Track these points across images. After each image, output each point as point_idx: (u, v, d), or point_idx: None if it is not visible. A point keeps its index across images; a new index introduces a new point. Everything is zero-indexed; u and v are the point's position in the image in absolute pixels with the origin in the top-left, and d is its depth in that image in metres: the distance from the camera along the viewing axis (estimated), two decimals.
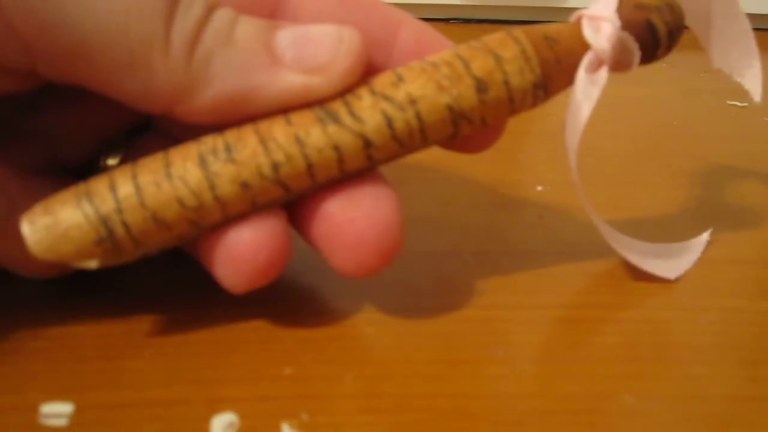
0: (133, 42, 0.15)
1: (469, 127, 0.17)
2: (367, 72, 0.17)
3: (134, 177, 0.15)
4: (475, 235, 0.22)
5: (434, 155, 0.26)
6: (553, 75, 0.17)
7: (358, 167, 0.16)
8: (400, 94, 0.16)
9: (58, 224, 0.15)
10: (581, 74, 0.17)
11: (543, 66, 0.17)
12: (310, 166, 0.16)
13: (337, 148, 0.16)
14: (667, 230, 0.23)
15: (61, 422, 0.15)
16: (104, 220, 0.15)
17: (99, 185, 0.15)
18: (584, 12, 0.18)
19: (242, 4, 0.17)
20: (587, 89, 0.17)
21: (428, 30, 0.18)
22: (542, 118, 0.34)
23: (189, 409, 0.15)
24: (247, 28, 0.16)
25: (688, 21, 0.20)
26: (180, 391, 0.16)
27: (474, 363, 0.17)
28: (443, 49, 0.17)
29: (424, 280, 0.20)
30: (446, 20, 0.48)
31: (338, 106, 0.16)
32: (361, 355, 0.17)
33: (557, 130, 0.24)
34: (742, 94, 0.38)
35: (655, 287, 0.20)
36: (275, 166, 0.15)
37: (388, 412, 0.15)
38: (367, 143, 0.16)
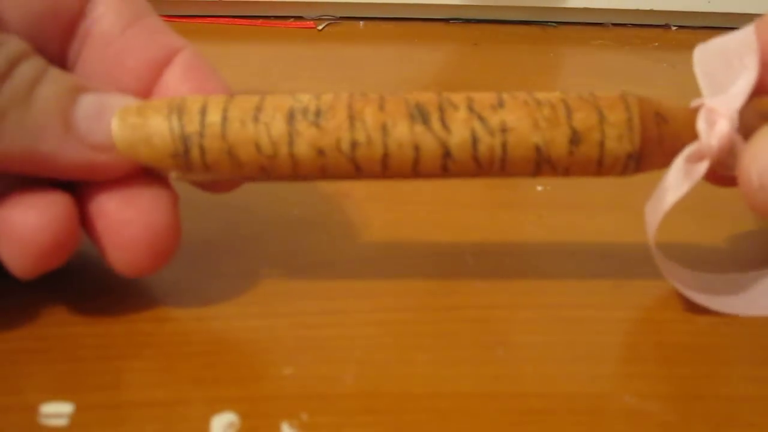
0: None
1: (550, 173, 0.17)
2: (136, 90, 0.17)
3: (225, 109, 0.16)
4: (475, 235, 0.22)
5: None
6: (651, 152, 0.17)
7: (430, 173, 0.17)
8: (495, 119, 0.16)
9: (144, 127, 0.16)
10: (679, 162, 0.17)
11: (644, 140, 0.16)
12: (385, 156, 0.16)
13: (417, 148, 0.16)
14: (668, 230, 0.23)
15: (61, 422, 0.15)
16: (185, 139, 0.16)
17: (192, 105, 0.16)
18: (706, 102, 0.17)
19: (42, 11, 0.17)
20: (680, 179, 0.17)
21: (200, 61, 0.18)
22: None
23: (189, 409, 0.15)
24: (49, 89, 0.16)
25: None
26: (180, 391, 0.16)
27: (474, 363, 0.17)
28: (210, 81, 0.18)
29: (424, 280, 0.20)
30: (446, 20, 0.48)
31: (433, 109, 0.16)
32: (361, 355, 0.17)
33: None
34: None
35: (655, 287, 0.20)
36: (354, 144, 0.16)
37: (388, 412, 0.15)
38: (447, 153, 0.16)
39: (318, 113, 0.16)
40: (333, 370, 0.16)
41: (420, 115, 0.16)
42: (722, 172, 0.17)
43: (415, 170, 0.16)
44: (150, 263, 0.16)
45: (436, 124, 0.16)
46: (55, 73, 0.16)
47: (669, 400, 0.16)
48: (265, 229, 0.22)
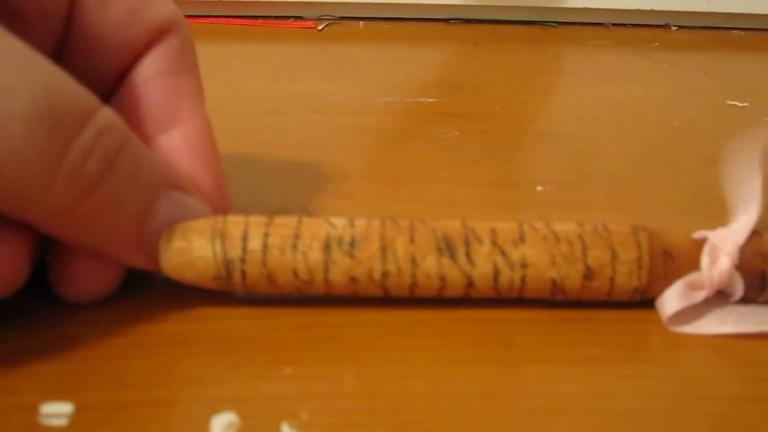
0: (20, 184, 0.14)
1: (561, 299, 0.18)
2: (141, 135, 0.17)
3: (266, 236, 0.17)
4: None
5: (434, 155, 0.26)
6: (656, 286, 0.18)
7: (452, 297, 0.18)
8: (516, 254, 0.17)
9: (189, 251, 0.17)
10: (679, 284, 0.18)
11: (651, 277, 0.18)
12: (413, 285, 0.17)
13: (443, 279, 0.17)
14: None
15: (61, 422, 0.15)
16: (228, 263, 0.17)
17: (234, 230, 0.17)
18: (710, 236, 0.18)
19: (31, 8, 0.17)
20: (676, 297, 0.18)
21: (204, 139, 0.19)
22: (542, 118, 0.34)
23: (189, 409, 0.15)
24: (138, 190, 0.16)
25: None
26: (180, 391, 0.16)
27: (474, 363, 0.17)
28: (207, 154, 0.19)
29: None
30: (446, 20, 0.48)
31: (459, 244, 0.17)
32: (361, 355, 0.17)
33: (557, 130, 0.24)
34: (742, 94, 0.38)
35: None
36: (385, 274, 0.17)
37: (388, 412, 0.15)
38: (470, 284, 0.18)
39: (352, 243, 0.17)
40: (333, 370, 0.16)
41: (447, 249, 0.17)
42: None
43: (439, 294, 0.18)
44: None
45: (461, 257, 0.17)
46: (143, 161, 0.16)
47: (669, 400, 0.16)
48: None
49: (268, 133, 0.29)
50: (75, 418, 0.15)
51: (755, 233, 0.18)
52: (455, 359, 0.17)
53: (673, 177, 0.27)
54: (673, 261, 0.18)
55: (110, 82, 0.19)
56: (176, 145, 0.18)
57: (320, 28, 0.45)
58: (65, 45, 0.18)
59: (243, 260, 0.17)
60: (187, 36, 0.19)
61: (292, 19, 0.46)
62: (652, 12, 0.49)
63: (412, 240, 0.17)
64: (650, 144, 0.31)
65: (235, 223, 0.17)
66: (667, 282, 0.18)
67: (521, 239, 0.18)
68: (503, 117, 0.33)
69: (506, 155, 0.28)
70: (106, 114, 0.15)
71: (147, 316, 0.18)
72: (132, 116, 0.18)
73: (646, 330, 0.18)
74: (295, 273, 0.17)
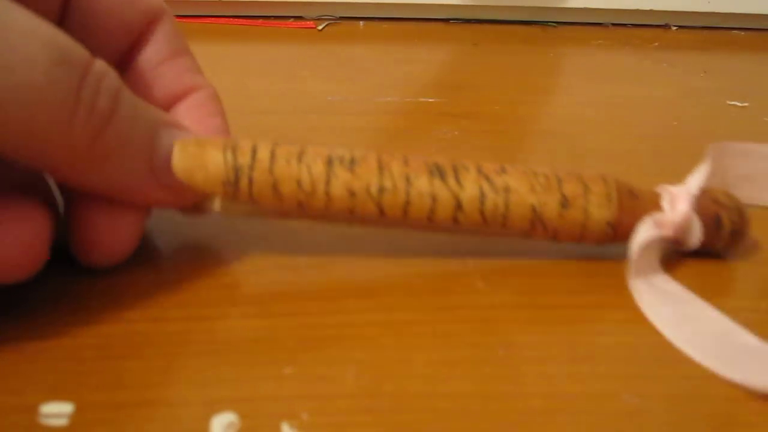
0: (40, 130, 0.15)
1: (541, 233, 0.20)
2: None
3: (273, 150, 0.18)
4: (475, 235, 0.22)
5: (434, 155, 0.26)
6: (625, 221, 0.20)
7: (442, 223, 0.19)
8: (499, 181, 0.19)
9: (201, 156, 0.18)
10: (648, 219, 0.20)
11: (620, 210, 0.20)
12: (407, 203, 0.19)
13: (434, 198, 0.19)
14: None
15: (61, 422, 0.15)
16: (237, 169, 0.18)
17: (245, 144, 0.18)
18: (669, 187, 0.21)
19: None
20: (645, 232, 0.20)
21: (214, 103, 0.20)
22: (542, 118, 0.34)
23: (189, 409, 0.15)
24: (140, 127, 0.17)
25: None
26: (180, 391, 0.16)
27: (474, 363, 0.17)
28: (215, 114, 0.20)
29: (423, 280, 0.20)
30: (446, 20, 0.48)
31: (448, 169, 0.19)
32: (361, 355, 0.17)
33: (557, 130, 0.24)
34: (742, 94, 0.38)
35: None
36: (381, 189, 0.18)
37: (388, 412, 0.15)
38: (459, 205, 0.19)
39: (353, 161, 0.18)
40: (333, 370, 0.16)
41: (438, 172, 0.19)
42: (679, 246, 0.21)
43: (431, 219, 0.19)
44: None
45: (451, 180, 0.19)
46: (139, 104, 0.17)
47: (669, 400, 0.16)
48: (265, 229, 0.22)
49: (268, 133, 0.29)
50: (75, 418, 0.15)
51: (706, 189, 0.21)
52: (455, 359, 0.17)
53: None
54: (638, 199, 0.20)
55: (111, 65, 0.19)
56: (186, 108, 0.20)
57: (320, 28, 0.45)
58: (62, 27, 0.18)
59: (251, 167, 0.18)
60: (173, 18, 0.21)
61: (292, 19, 0.46)
62: (652, 12, 0.49)
63: (406, 163, 0.19)
64: (650, 144, 0.31)
65: (245, 140, 0.18)
66: (635, 218, 0.20)
67: (503, 171, 0.19)
68: (503, 117, 0.33)
69: (506, 155, 0.28)
70: (101, 62, 0.16)
71: (147, 316, 0.18)
72: (148, 98, 0.19)
73: (645, 330, 0.18)
74: (299, 183, 0.18)
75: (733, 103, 0.35)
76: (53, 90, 0.15)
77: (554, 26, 0.48)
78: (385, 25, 0.47)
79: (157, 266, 0.20)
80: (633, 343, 0.18)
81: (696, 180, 0.21)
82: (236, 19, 0.46)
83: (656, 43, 0.46)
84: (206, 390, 0.16)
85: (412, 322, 0.18)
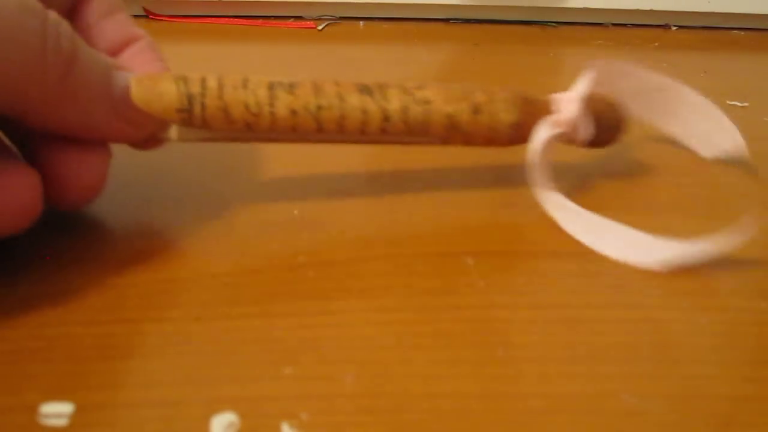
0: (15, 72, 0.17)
1: (457, 138, 0.23)
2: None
3: (220, 79, 0.20)
4: (475, 235, 0.22)
5: (434, 155, 0.26)
6: (526, 122, 0.23)
7: (373, 134, 0.22)
8: (419, 94, 0.22)
9: (157, 87, 0.20)
10: (545, 121, 0.24)
11: (521, 113, 0.23)
12: (341, 117, 0.21)
13: (364, 111, 0.21)
14: (667, 230, 0.23)
15: (61, 422, 0.15)
16: (190, 97, 0.20)
17: (194, 77, 0.20)
18: (559, 94, 0.24)
19: None
20: (543, 131, 0.23)
21: (153, 49, 0.22)
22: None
23: (189, 409, 0.15)
24: (98, 69, 0.18)
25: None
26: (180, 391, 0.16)
27: (474, 363, 0.17)
28: (154, 63, 0.22)
29: (424, 280, 0.20)
30: (446, 20, 0.48)
31: (375, 87, 0.21)
32: (361, 355, 0.17)
33: None
34: (742, 94, 0.38)
35: (655, 287, 0.20)
36: (319, 107, 0.21)
37: (388, 412, 0.15)
38: (386, 117, 0.21)
39: (292, 85, 0.21)
40: (333, 370, 0.16)
41: (366, 89, 0.21)
42: (571, 142, 0.25)
43: (363, 131, 0.21)
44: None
45: (378, 95, 0.21)
46: (92, 50, 0.19)
47: (669, 400, 0.16)
48: (265, 229, 0.22)
49: None
50: (75, 418, 0.15)
51: (591, 93, 0.24)
52: (455, 359, 0.17)
53: (673, 177, 0.27)
54: (534, 105, 0.24)
55: None
56: (129, 57, 0.22)
57: (320, 28, 0.45)
58: None
59: (203, 95, 0.20)
60: (151, 40, 0.23)
61: (292, 19, 0.46)
62: (652, 12, 0.49)
63: (338, 84, 0.21)
64: (650, 144, 0.30)
65: (192, 74, 0.20)
66: (534, 120, 0.23)
67: (422, 87, 0.22)
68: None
69: (506, 155, 0.28)
70: (54, 12, 0.17)
71: (147, 316, 0.18)
72: (95, 48, 0.20)
73: (645, 330, 0.18)
74: (246, 106, 0.20)
75: (733, 103, 0.35)
76: (24, 33, 0.16)
77: (554, 26, 0.48)
78: (385, 25, 0.47)
79: (155, 267, 0.20)
80: (633, 343, 0.18)
81: (581, 86, 0.24)
82: (236, 19, 0.46)
83: (656, 43, 0.46)
84: (206, 390, 0.16)
85: (412, 322, 0.18)
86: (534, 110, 0.24)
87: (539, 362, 0.17)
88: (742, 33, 0.48)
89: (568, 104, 0.24)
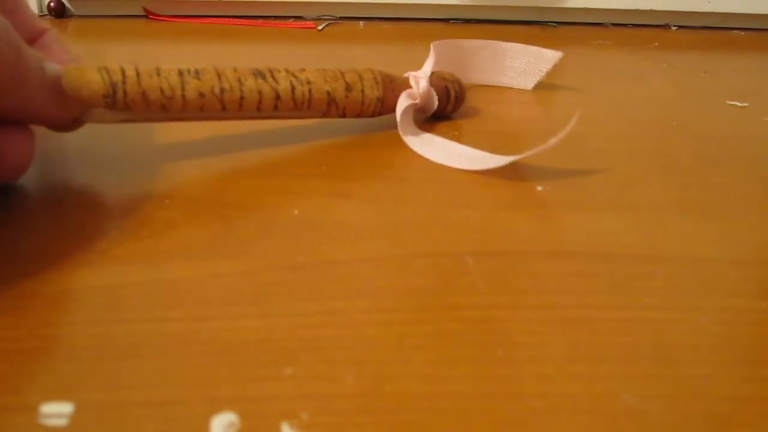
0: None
1: (335, 112, 0.28)
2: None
3: (137, 68, 0.24)
4: (475, 235, 0.22)
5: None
6: (389, 96, 0.30)
7: (268, 111, 0.26)
8: (303, 76, 0.27)
9: (84, 77, 0.23)
10: (403, 94, 0.30)
11: (384, 89, 0.29)
12: (241, 98, 0.25)
13: (260, 92, 0.26)
14: (667, 229, 0.23)
15: (61, 422, 0.15)
16: (113, 85, 0.23)
17: (114, 67, 0.23)
18: (413, 72, 0.31)
19: None
20: (403, 102, 0.30)
21: (60, 41, 0.26)
22: (542, 118, 0.34)
23: (189, 409, 0.15)
24: (35, 60, 0.21)
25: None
26: (180, 391, 0.16)
27: (474, 363, 0.17)
28: (64, 53, 0.25)
29: (424, 280, 0.20)
30: (446, 20, 0.48)
31: (266, 72, 0.26)
32: (361, 355, 0.17)
33: (557, 130, 0.24)
34: (742, 94, 0.38)
35: (655, 287, 0.20)
36: (222, 90, 0.25)
37: (388, 412, 0.15)
38: (277, 96, 0.26)
39: (197, 72, 0.25)
40: (333, 370, 0.16)
41: (259, 74, 0.26)
42: (423, 113, 0.32)
43: (259, 109, 0.26)
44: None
45: (269, 78, 0.26)
46: (26, 46, 0.21)
47: (669, 400, 0.16)
48: (265, 229, 0.22)
49: (268, 133, 0.29)
50: (75, 418, 0.15)
51: (438, 71, 0.32)
52: (455, 359, 0.17)
53: (673, 177, 0.27)
54: (395, 82, 0.30)
55: None
56: (41, 47, 0.25)
57: (320, 28, 0.45)
58: None
59: (124, 82, 0.23)
60: (57, 33, 0.26)
61: (292, 19, 0.46)
62: (652, 12, 0.49)
63: (236, 70, 0.25)
64: (650, 144, 0.31)
65: (112, 65, 0.23)
66: (395, 94, 0.30)
67: (303, 70, 0.27)
68: (503, 117, 0.33)
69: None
70: None
71: (147, 316, 0.18)
72: None
73: (645, 330, 0.18)
74: (162, 90, 0.24)
75: (733, 103, 0.35)
76: None
77: (554, 26, 0.48)
78: (385, 25, 0.47)
79: (155, 266, 0.20)
80: (633, 343, 0.18)
81: (428, 66, 0.31)
82: (236, 19, 0.46)
83: (656, 43, 0.46)
84: (206, 390, 0.16)
85: (412, 322, 0.18)
86: (395, 87, 0.29)
87: (539, 362, 0.17)
88: (742, 33, 0.48)
89: (420, 80, 0.30)
